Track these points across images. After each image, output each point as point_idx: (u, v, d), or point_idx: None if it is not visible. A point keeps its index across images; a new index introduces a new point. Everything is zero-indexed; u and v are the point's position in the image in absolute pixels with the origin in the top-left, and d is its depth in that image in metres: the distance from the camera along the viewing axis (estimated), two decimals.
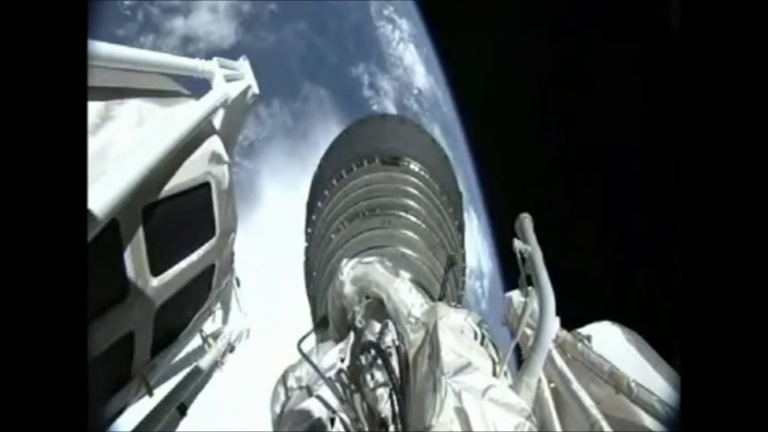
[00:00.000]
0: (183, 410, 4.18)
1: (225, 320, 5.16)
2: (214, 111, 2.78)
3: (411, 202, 6.23)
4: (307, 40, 32.16)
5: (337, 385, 2.85)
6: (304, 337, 3.48)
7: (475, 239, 34.59)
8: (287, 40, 30.50)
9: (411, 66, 38.59)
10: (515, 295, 2.79)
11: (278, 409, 3.11)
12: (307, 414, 2.74)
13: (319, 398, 2.76)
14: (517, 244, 2.55)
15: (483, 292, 34.80)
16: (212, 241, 3.10)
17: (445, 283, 5.47)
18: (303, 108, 30.34)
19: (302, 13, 31.73)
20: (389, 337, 2.88)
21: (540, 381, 2.34)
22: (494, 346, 2.73)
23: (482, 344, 2.67)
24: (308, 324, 5.56)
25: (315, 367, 3.00)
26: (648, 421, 1.86)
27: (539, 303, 2.36)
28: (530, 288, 2.51)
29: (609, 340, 2.32)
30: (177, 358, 4.20)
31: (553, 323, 2.30)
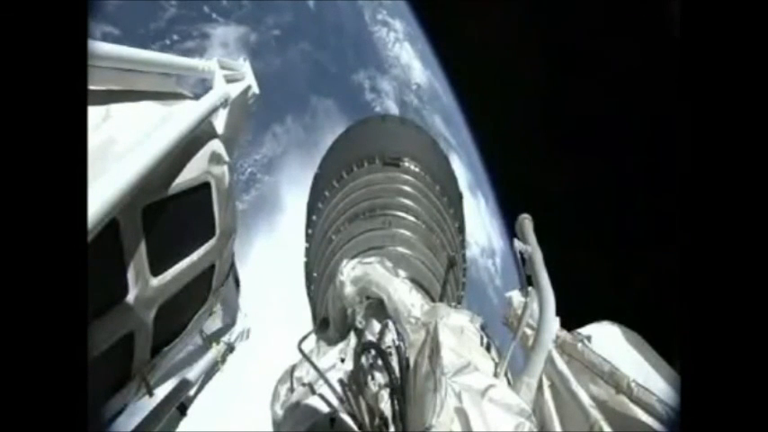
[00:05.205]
0: (183, 410, 4.19)
1: (225, 321, 5.15)
2: (214, 111, 2.77)
3: (411, 203, 6.22)
4: (310, 58, 34.40)
5: (338, 385, 2.85)
6: (304, 338, 3.49)
7: (484, 220, 36.26)
8: (292, 61, 32.71)
9: (408, 63, 39.91)
10: (515, 295, 2.79)
11: (278, 409, 3.12)
12: (308, 414, 2.74)
13: (321, 397, 2.77)
14: (517, 244, 2.55)
15: (496, 269, 36.13)
16: (212, 241, 3.10)
17: (445, 283, 5.47)
18: (313, 120, 32.44)
19: (303, 33, 33.99)
20: (389, 338, 2.88)
21: (540, 381, 2.34)
22: (495, 347, 2.73)
23: (487, 350, 2.67)
24: (308, 324, 5.56)
25: (315, 367, 3.00)
26: (649, 421, 1.86)
27: (539, 304, 2.35)
28: (530, 288, 2.50)
29: (609, 340, 2.31)
30: (177, 358, 4.19)
31: (553, 323, 2.30)
